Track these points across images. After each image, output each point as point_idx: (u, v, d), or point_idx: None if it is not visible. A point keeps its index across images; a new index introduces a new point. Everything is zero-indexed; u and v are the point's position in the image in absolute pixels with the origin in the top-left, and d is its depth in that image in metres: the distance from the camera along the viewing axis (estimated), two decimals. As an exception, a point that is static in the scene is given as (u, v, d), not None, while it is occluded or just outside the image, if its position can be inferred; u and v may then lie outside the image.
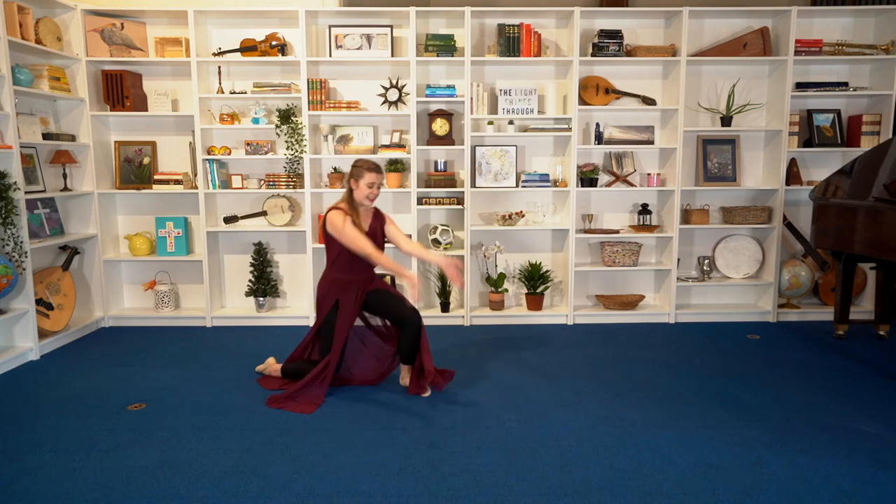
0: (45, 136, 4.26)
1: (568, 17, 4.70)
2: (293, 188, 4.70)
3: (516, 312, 4.91)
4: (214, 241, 4.90)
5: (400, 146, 4.72)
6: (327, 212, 3.29)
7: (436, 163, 4.83)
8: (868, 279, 5.01)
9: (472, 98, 4.64)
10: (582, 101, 4.76)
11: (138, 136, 4.85)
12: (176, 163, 4.87)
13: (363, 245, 3.21)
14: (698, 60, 4.71)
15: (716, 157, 4.92)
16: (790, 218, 4.97)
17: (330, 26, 4.62)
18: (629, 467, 2.58)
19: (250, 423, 3.02)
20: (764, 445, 2.77)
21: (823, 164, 4.98)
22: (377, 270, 3.45)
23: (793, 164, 4.86)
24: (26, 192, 4.02)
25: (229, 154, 4.76)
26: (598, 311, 4.94)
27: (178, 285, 5.03)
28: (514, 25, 4.59)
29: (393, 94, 4.72)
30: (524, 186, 4.78)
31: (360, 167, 3.29)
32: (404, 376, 3.48)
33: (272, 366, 3.64)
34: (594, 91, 4.78)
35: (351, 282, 3.32)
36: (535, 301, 4.88)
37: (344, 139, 4.80)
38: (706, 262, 4.99)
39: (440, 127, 4.69)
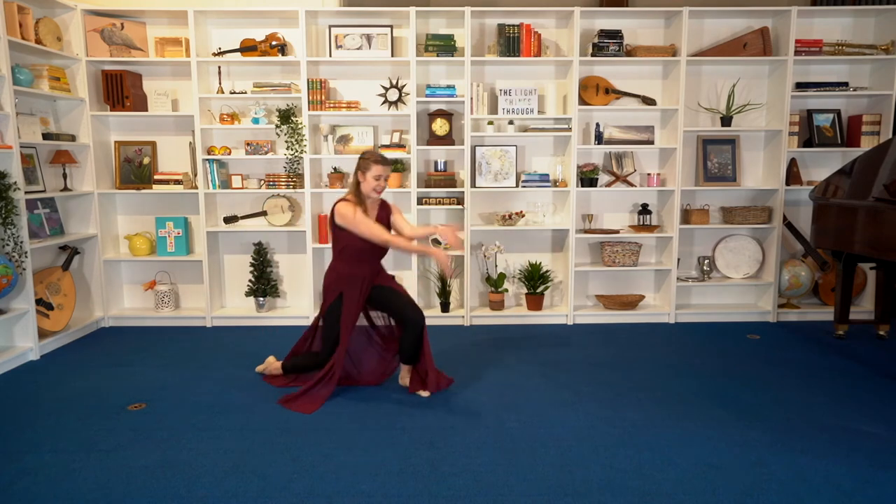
0: (45, 136, 4.26)
1: (568, 17, 4.70)
2: (293, 188, 4.70)
3: (516, 312, 4.91)
4: (214, 241, 4.90)
5: (400, 146, 4.72)
6: (335, 204, 3.28)
7: (436, 163, 4.83)
8: (868, 279, 5.01)
9: (472, 98, 4.64)
10: (582, 101, 4.76)
11: (138, 136, 4.85)
12: (176, 163, 4.87)
13: (378, 233, 3.21)
14: (698, 60, 4.71)
15: (716, 157, 4.92)
16: (790, 218, 4.97)
17: (330, 26, 4.62)
18: (629, 467, 2.58)
19: (250, 423, 3.02)
20: (764, 445, 2.77)
21: (823, 164, 4.98)
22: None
23: (793, 164, 4.86)
24: (26, 192, 4.02)
25: (229, 154, 4.76)
26: (598, 311, 4.94)
27: (178, 285, 5.03)
28: (514, 25, 4.59)
29: (393, 94, 4.72)
30: (524, 186, 4.78)
31: (367, 159, 3.26)
32: (404, 376, 3.48)
33: (272, 364, 3.65)
34: (594, 91, 4.78)
35: (356, 275, 3.30)
36: (535, 301, 4.88)
37: (344, 139, 4.80)
38: (706, 262, 4.99)
39: (440, 127, 4.69)
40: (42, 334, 4.13)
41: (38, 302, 4.13)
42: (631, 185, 4.89)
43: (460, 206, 4.75)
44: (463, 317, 4.83)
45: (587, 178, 4.79)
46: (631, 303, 4.91)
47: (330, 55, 4.63)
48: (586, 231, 4.89)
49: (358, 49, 4.64)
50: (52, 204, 4.49)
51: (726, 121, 4.80)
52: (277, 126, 4.63)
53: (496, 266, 4.96)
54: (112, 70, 4.59)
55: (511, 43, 4.60)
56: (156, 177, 4.73)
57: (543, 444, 2.79)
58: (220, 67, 4.68)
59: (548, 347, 4.25)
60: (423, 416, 3.10)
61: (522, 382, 3.57)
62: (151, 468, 2.59)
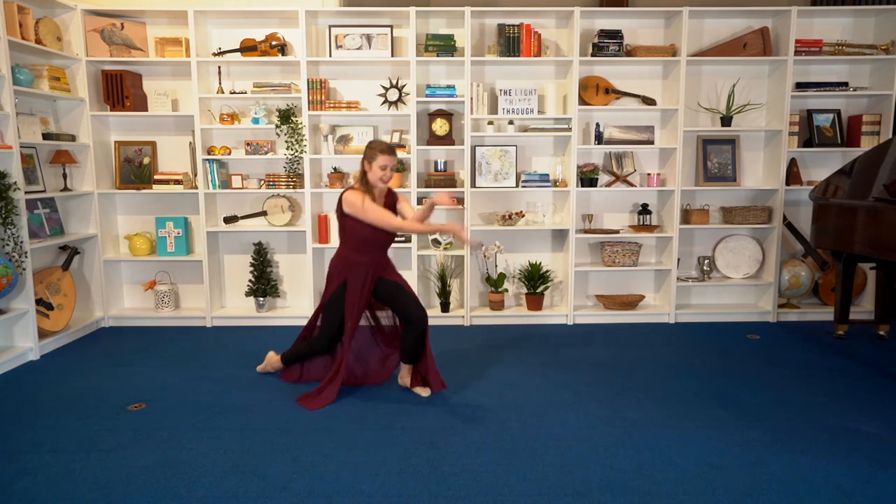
0: (45, 136, 4.26)
1: (568, 17, 4.70)
2: (293, 188, 4.70)
3: (516, 312, 4.91)
4: (214, 241, 4.90)
5: (400, 146, 4.72)
6: (343, 192, 3.26)
7: (436, 163, 4.83)
8: (868, 279, 5.01)
9: (472, 98, 4.64)
10: (582, 101, 4.76)
11: (138, 136, 4.85)
12: (176, 163, 4.87)
13: (389, 220, 3.19)
14: (698, 60, 4.71)
15: (716, 157, 4.92)
16: (790, 218, 4.97)
17: (330, 26, 4.62)
18: (629, 467, 2.58)
19: (250, 423, 3.02)
20: (764, 445, 2.77)
21: (823, 164, 4.98)
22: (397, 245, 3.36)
23: (793, 164, 4.86)
24: (26, 192, 4.02)
25: (229, 154, 4.76)
26: (598, 311, 4.94)
27: (178, 285, 5.03)
28: (514, 25, 4.59)
29: (393, 94, 4.72)
30: (524, 186, 4.78)
31: (373, 149, 3.24)
32: (404, 376, 3.48)
33: (272, 359, 3.66)
34: (594, 91, 4.78)
35: (362, 263, 3.28)
36: (535, 301, 4.88)
37: (344, 139, 4.80)
38: (706, 262, 4.99)
39: (440, 127, 4.69)
40: (42, 334, 4.14)
41: (38, 302, 4.13)
42: (631, 185, 4.89)
43: (460, 206, 4.74)
44: (463, 317, 4.83)
45: (587, 178, 4.79)
46: (631, 303, 4.91)
47: (330, 55, 4.63)
48: (586, 231, 4.89)
49: (358, 49, 4.64)
50: (52, 204, 4.49)
51: (726, 121, 4.80)
52: (277, 126, 4.63)
53: (496, 266, 4.96)
54: (112, 70, 4.60)
55: (511, 43, 4.60)
56: (156, 177, 4.73)
57: (543, 444, 2.79)
58: (220, 67, 4.68)
59: (548, 347, 4.25)
60: (423, 416, 3.10)
61: (522, 382, 3.57)
62: (151, 468, 2.59)
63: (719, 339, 4.45)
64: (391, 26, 4.64)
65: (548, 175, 4.79)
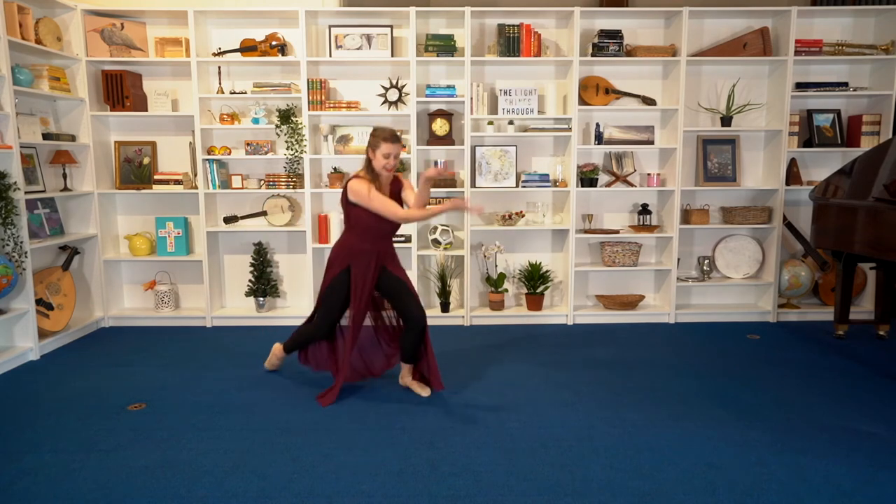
0: (45, 136, 4.26)
1: (568, 17, 4.70)
2: (293, 188, 4.70)
3: (516, 312, 4.91)
4: (214, 241, 4.90)
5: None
6: (348, 180, 3.25)
7: (436, 163, 4.83)
8: (868, 279, 5.01)
9: (472, 98, 4.64)
10: (582, 101, 4.76)
11: (138, 136, 4.85)
12: (176, 163, 4.87)
13: (394, 210, 3.17)
14: (698, 60, 4.71)
15: (716, 157, 4.92)
16: (790, 218, 4.97)
17: (330, 26, 4.62)
18: (629, 467, 2.58)
19: (250, 423, 3.02)
20: (764, 445, 2.77)
21: (823, 164, 4.98)
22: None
23: (793, 164, 4.86)
24: (26, 192, 4.02)
25: (229, 154, 4.76)
26: (598, 311, 4.94)
27: (178, 285, 5.03)
28: (514, 25, 4.59)
29: (393, 94, 4.72)
30: (524, 186, 4.78)
31: (376, 136, 3.21)
32: (404, 376, 3.48)
33: (276, 348, 3.69)
34: (594, 91, 4.78)
35: (366, 250, 3.26)
36: (535, 301, 4.88)
37: (344, 139, 4.80)
38: (706, 262, 4.99)
39: (440, 127, 4.69)
40: (42, 334, 4.13)
41: (38, 302, 4.13)
42: (631, 185, 4.89)
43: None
44: (463, 317, 4.83)
45: (587, 178, 4.79)
46: (631, 303, 4.91)
47: (330, 55, 4.63)
48: (586, 231, 4.89)
49: (358, 49, 4.64)
50: (52, 204, 4.49)
51: (726, 121, 4.80)
52: (277, 126, 4.63)
53: (496, 266, 4.96)
54: (112, 70, 4.59)
55: (511, 43, 4.60)
56: (156, 177, 4.73)
57: (543, 444, 2.79)
58: (220, 67, 4.68)
59: (548, 347, 4.25)
60: (423, 416, 3.10)
61: (522, 382, 3.57)
62: (151, 468, 2.59)
63: (719, 339, 4.45)
64: (391, 26, 4.64)
65: (548, 175, 4.79)
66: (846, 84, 4.80)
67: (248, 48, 4.59)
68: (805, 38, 4.72)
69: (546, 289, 4.91)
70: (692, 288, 5.09)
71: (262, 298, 4.84)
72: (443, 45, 4.60)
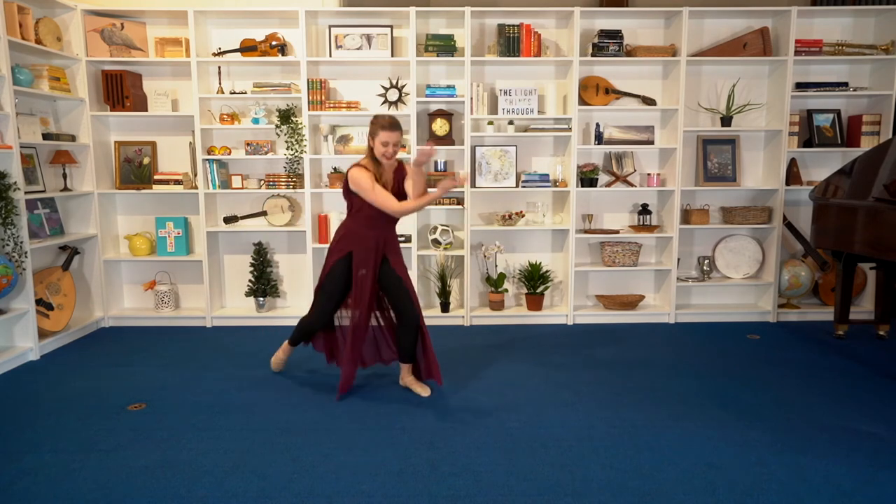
0: (45, 136, 4.26)
1: (568, 17, 4.70)
2: (293, 188, 4.70)
3: (516, 312, 4.91)
4: (214, 241, 4.90)
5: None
6: (349, 168, 3.23)
7: (436, 163, 4.83)
8: (868, 279, 5.01)
9: (472, 98, 4.64)
10: (582, 101, 4.76)
11: (138, 136, 4.85)
12: (176, 163, 4.87)
13: (391, 204, 3.16)
14: (698, 60, 4.71)
15: (716, 157, 4.92)
16: (790, 218, 4.97)
17: (330, 26, 4.62)
18: (629, 467, 2.58)
19: (250, 423, 3.02)
20: (764, 445, 2.77)
21: (823, 164, 4.98)
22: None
23: (793, 164, 4.86)
24: (26, 192, 4.02)
25: (229, 154, 4.76)
26: (598, 311, 4.94)
27: (178, 285, 5.03)
28: (514, 25, 4.59)
29: (393, 95, 4.72)
30: (524, 186, 4.78)
31: (375, 124, 3.20)
32: (404, 376, 3.48)
33: (284, 345, 3.69)
34: (594, 91, 4.78)
35: (369, 235, 3.26)
36: (535, 301, 4.88)
37: (344, 139, 4.80)
38: (706, 262, 4.99)
39: (440, 127, 4.69)
40: (42, 334, 4.14)
41: (38, 302, 4.13)
42: (631, 185, 4.89)
43: (460, 206, 4.75)
44: (463, 317, 4.83)
45: (587, 178, 4.79)
46: (631, 303, 4.91)
47: (330, 55, 4.63)
48: (586, 231, 4.89)
49: (358, 49, 4.64)
50: (52, 204, 4.49)
51: (726, 121, 4.80)
52: (277, 126, 4.63)
53: (496, 266, 4.96)
54: (112, 70, 4.59)
55: (511, 43, 4.60)
56: (156, 177, 4.73)
57: (543, 444, 2.79)
58: (220, 67, 4.68)
59: (548, 347, 4.24)
60: (423, 416, 3.10)
61: (522, 382, 3.57)
62: (151, 468, 2.59)
63: (719, 339, 4.45)
64: (391, 26, 4.64)
65: (548, 175, 4.79)
66: (846, 84, 4.80)
67: (248, 48, 4.59)
68: (805, 38, 4.72)
69: (546, 289, 4.91)
70: (692, 288, 5.09)
71: (262, 298, 4.84)
72: (443, 45, 4.61)
